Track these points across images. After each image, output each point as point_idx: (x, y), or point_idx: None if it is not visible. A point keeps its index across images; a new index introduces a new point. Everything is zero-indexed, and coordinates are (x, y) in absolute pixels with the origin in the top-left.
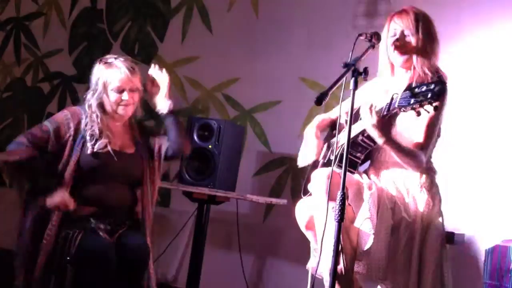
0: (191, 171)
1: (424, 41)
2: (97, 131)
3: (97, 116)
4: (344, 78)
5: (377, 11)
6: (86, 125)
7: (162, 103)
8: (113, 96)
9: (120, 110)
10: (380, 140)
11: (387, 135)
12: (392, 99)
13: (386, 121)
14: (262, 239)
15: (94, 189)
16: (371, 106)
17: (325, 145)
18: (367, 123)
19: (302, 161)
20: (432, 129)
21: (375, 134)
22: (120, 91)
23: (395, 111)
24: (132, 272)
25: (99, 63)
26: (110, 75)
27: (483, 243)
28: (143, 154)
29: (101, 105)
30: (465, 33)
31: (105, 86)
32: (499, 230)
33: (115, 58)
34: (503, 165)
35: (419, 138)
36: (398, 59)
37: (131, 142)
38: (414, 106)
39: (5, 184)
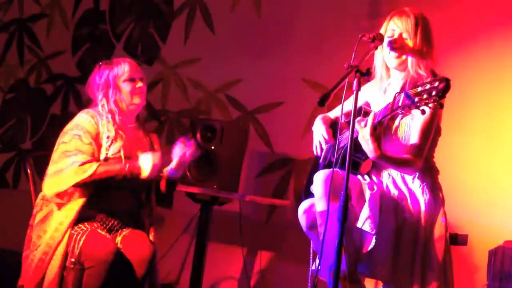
0: (194, 172)
1: (421, 45)
2: (113, 133)
3: (112, 116)
4: (347, 79)
5: (380, 12)
6: (102, 127)
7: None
8: (127, 87)
9: (136, 99)
10: (372, 155)
11: (379, 151)
12: (394, 98)
13: (378, 134)
14: (264, 240)
15: (101, 194)
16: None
17: (326, 146)
18: (361, 136)
19: (317, 150)
20: (428, 131)
21: (368, 148)
22: (133, 80)
23: (398, 110)
24: (137, 273)
25: (100, 65)
26: (119, 68)
27: (486, 244)
28: None
29: (115, 102)
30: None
31: (116, 81)
32: (503, 231)
33: (110, 59)
34: (506, 165)
35: (415, 140)
36: (394, 60)
37: (141, 145)
38: (418, 104)
39: (8, 185)
